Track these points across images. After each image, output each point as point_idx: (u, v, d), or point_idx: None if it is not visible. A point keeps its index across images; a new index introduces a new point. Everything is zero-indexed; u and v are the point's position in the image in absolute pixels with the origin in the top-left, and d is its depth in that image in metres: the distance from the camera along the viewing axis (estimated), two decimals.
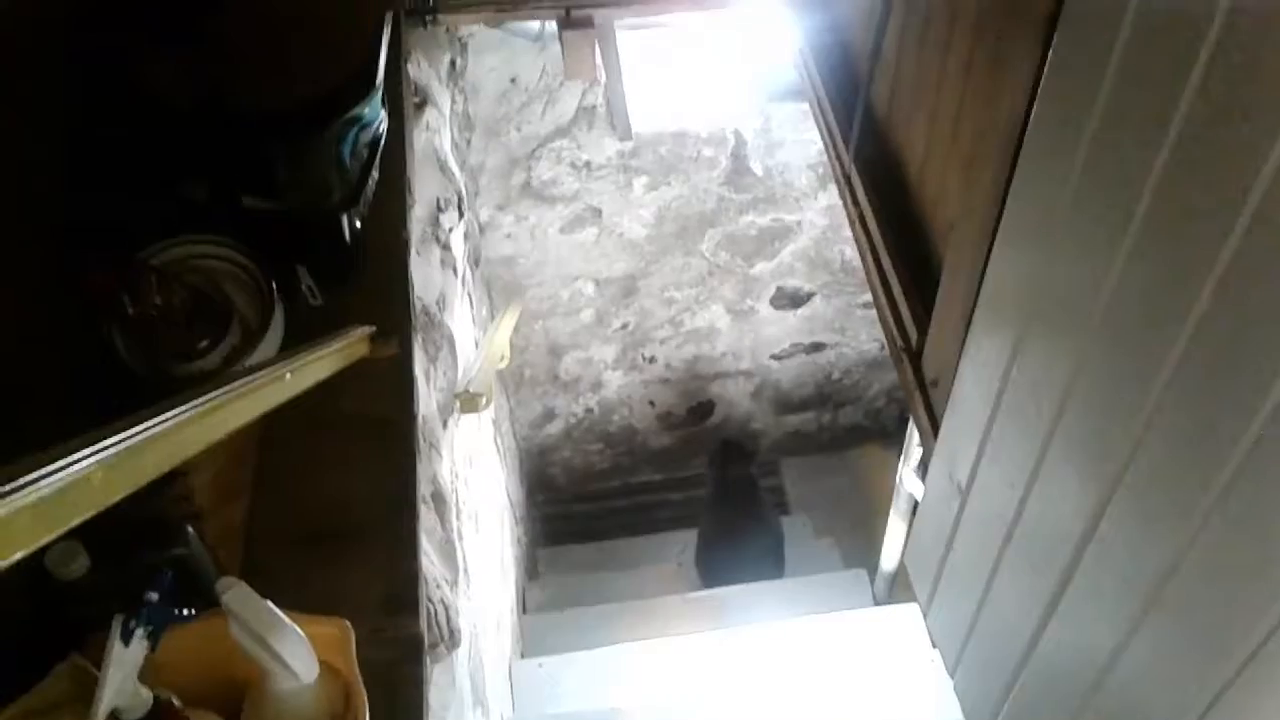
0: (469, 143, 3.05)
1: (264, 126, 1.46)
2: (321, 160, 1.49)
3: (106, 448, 0.69)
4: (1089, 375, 0.88)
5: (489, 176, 3.21)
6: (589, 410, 4.15)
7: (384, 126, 1.58)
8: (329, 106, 1.48)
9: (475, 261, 3.00)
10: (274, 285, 1.46)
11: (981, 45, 1.21)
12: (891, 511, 2.73)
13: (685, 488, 4.42)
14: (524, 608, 3.37)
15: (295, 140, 1.47)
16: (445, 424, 2.01)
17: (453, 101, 2.73)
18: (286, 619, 0.99)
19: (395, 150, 1.71)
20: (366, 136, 1.54)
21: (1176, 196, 0.72)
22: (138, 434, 0.73)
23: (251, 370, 1.13)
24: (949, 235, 1.34)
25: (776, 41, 2.30)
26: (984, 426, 1.12)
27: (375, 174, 1.61)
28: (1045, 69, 0.91)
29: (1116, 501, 0.84)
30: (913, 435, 2.46)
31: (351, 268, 1.60)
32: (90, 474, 0.65)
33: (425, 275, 2.08)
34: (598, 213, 3.41)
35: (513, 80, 2.98)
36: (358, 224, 1.58)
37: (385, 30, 1.52)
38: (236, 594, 0.98)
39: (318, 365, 1.31)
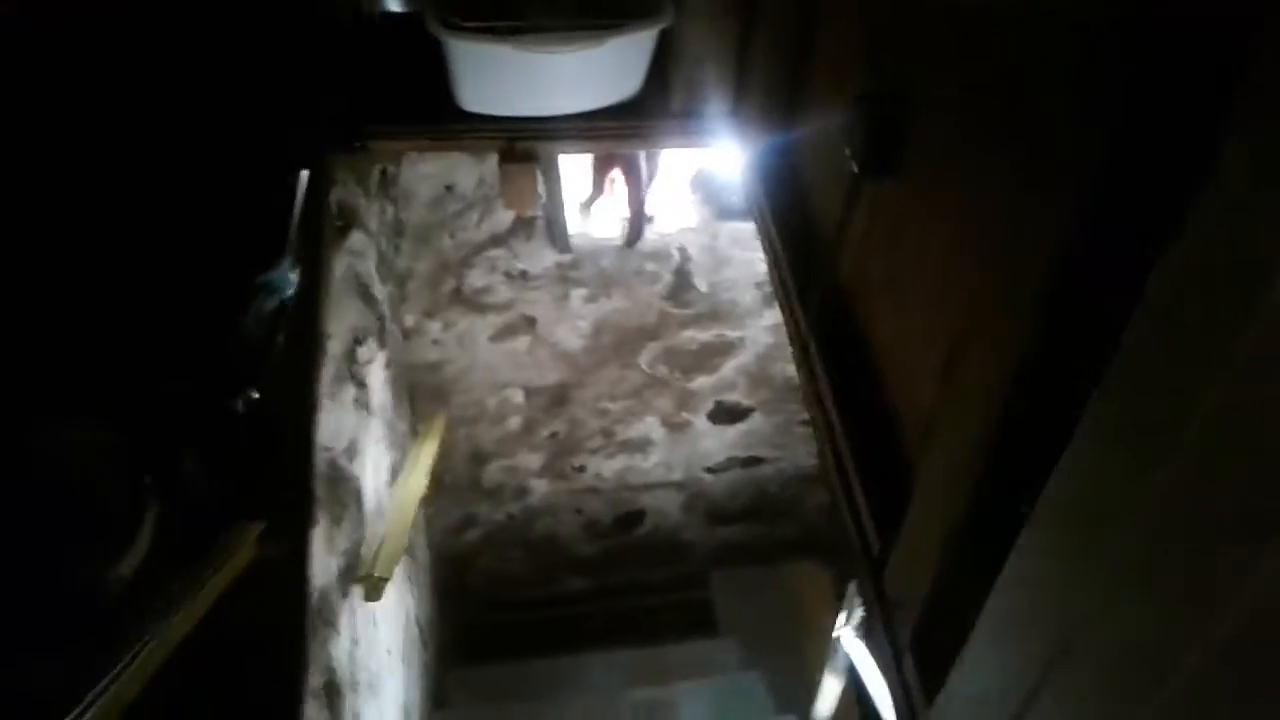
0: (398, 249, 2.87)
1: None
2: (218, 343, 1.30)
3: None
4: None
5: (418, 282, 3.03)
6: (511, 517, 3.94)
7: (293, 289, 1.40)
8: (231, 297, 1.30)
9: (396, 376, 2.80)
10: (150, 478, 1.26)
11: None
12: (827, 669, 2.57)
13: (610, 597, 4.22)
14: None
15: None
16: (345, 593, 1.81)
17: (382, 211, 2.56)
18: None
19: (309, 310, 1.52)
20: (273, 303, 1.36)
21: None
22: None
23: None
24: (922, 445, 1.20)
25: (725, 164, 2.18)
26: None
27: (280, 339, 1.42)
28: None
29: None
30: (854, 595, 2.31)
31: (245, 446, 1.40)
32: None
33: (336, 421, 1.89)
34: (532, 322, 3.24)
35: (448, 188, 2.81)
36: (254, 395, 1.39)
37: (298, 194, 1.34)
38: None
39: (206, 593, 1.15)
